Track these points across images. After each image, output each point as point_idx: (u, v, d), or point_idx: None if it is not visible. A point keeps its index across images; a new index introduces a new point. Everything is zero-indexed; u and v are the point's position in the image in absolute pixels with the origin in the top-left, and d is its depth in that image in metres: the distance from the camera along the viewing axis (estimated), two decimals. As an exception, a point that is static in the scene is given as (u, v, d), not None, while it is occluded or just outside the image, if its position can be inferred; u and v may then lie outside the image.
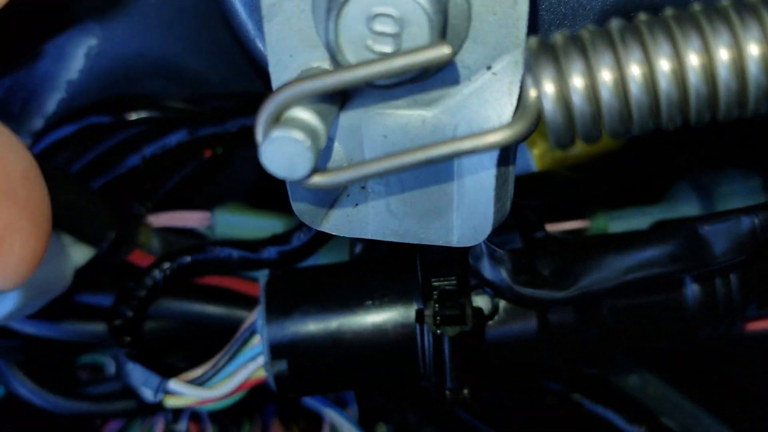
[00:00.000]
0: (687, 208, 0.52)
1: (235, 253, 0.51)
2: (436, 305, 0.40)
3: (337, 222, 0.31)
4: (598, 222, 0.51)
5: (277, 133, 0.23)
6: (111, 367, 0.60)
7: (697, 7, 0.20)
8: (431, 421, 0.52)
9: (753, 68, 0.19)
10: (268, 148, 0.23)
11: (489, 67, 0.26)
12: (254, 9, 0.36)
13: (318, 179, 0.24)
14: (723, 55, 0.19)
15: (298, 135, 0.23)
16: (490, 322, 0.42)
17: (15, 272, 0.27)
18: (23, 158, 0.28)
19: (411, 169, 0.24)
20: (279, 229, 0.54)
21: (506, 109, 0.26)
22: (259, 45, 0.37)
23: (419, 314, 0.41)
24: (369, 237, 0.31)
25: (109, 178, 0.56)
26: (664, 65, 0.19)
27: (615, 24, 0.20)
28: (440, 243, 0.30)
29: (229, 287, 0.54)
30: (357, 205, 0.30)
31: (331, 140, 0.28)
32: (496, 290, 0.39)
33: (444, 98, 0.27)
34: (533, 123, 0.22)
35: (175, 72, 0.56)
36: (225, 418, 0.55)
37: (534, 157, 0.46)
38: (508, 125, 0.22)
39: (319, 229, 0.31)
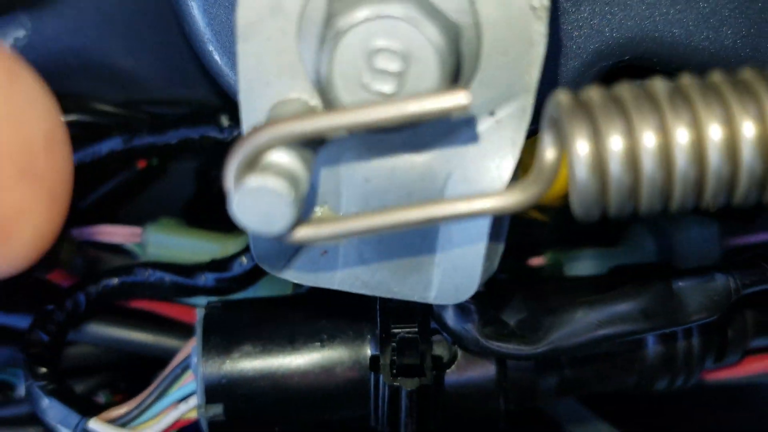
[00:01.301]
0: (644, 252, 0.51)
1: (168, 278, 0.47)
2: (394, 354, 0.37)
3: (302, 269, 0.27)
4: (554, 261, 0.49)
5: (253, 181, 0.19)
6: (21, 388, 0.55)
7: (749, 73, 0.18)
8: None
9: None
10: (242, 199, 0.19)
11: (492, 113, 0.23)
12: (214, 18, 0.32)
13: (302, 233, 0.20)
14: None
15: (278, 185, 0.19)
16: (448, 371, 0.40)
17: (21, 258, 0.24)
18: (47, 118, 0.25)
19: (414, 227, 0.20)
20: (217, 252, 0.50)
21: (507, 162, 0.23)
22: (217, 59, 0.33)
23: (374, 362, 0.38)
24: (335, 288, 0.28)
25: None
26: (714, 133, 0.17)
27: (659, 85, 0.18)
28: (415, 299, 0.27)
29: (160, 312, 0.50)
30: (326, 252, 0.27)
31: None
32: (460, 341, 0.36)
33: (438, 143, 0.24)
34: (546, 189, 0.19)
35: (112, 72, 0.52)
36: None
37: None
38: (519, 188, 0.20)
39: (279, 276, 0.28)
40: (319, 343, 0.40)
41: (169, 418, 0.42)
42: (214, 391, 0.40)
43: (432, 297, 0.27)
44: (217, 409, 0.40)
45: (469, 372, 0.40)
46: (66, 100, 0.52)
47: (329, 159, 0.25)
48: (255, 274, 0.47)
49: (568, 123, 0.17)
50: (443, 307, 0.36)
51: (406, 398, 0.36)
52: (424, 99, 0.18)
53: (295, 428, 0.41)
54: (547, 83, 0.31)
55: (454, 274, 0.26)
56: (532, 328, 0.36)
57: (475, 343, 0.35)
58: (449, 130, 0.23)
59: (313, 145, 0.22)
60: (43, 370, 0.44)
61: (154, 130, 0.51)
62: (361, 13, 0.19)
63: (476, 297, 0.36)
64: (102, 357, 0.52)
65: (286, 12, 0.21)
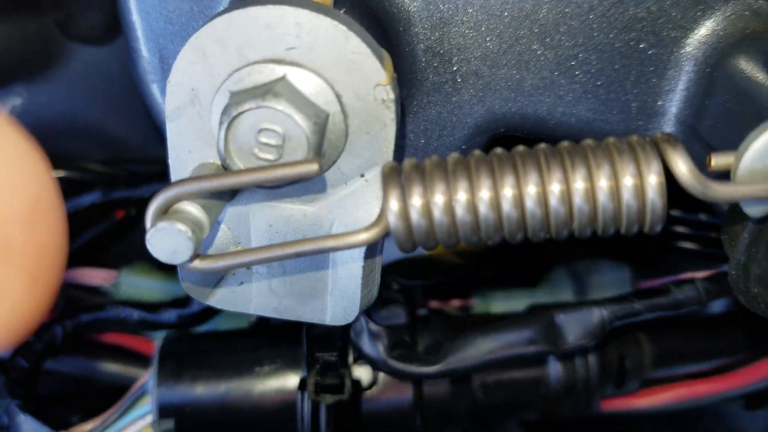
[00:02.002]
0: (562, 293, 0.57)
1: (136, 314, 0.53)
2: (318, 375, 0.43)
3: (223, 297, 0.34)
4: (482, 300, 0.55)
5: (162, 224, 0.26)
6: (3, 419, 0.60)
7: (519, 150, 0.25)
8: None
9: (556, 201, 0.24)
10: (154, 236, 0.26)
11: (362, 175, 0.30)
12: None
13: (199, 264, 0.27)
14: (530, 189, 0.24)
15: (181, 227, 0.26)
16: (368, 393, 0.45)
17: (3, 335, 0.21)
18: (31, 186, 0.21)
19: (284, 259, 0.27)
20: (181, 292, 0.56)
21: (374, 210, 0.30)
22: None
23: (302, 382, 0.44)
24: (251, 312, 0.35)
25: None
26: (484, 194, 0.24)
27: (450, 158, 0.25)
28: (315, 321, 0.34)
29: (127, 346, 0.55)
30: (242, 283, 0.34)
31: (219, 223, 0.31)
32: (372, 364, 0.42)
33: (324, 197, 0.31)
34: (385, 230, 0.26)
35: (95, 135, 0.59)
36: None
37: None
38: (366, 230, 0.27)
39: (205, 303, 0.35)
40: (259, 368, 0.46)
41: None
42: (167, 409, 0.45)
43: (328, 319, 0.34)
44: (168, 425, 0.45)
45: (388, 394, 0.46)
46: (55, 159, 0.59)
47: (241, 210, 0.32)
48: (212, 310, 0.53)
49: (384, 186, 0.24)
50: (359, 334, 0.42)
51: (325, 412, 0.42)
52: (287, 167, 0.26)
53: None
54: (438, 149, 0.38)
55: (342, 299, 0.33)
56: (434, 352, 0.42)
57: (383, 364, 0.42)
58: (331, 186, 0.31)
59: (220, 197, 0.29)
60: (21, 391, 0.50)
61: (130, 185, 0.57)
62: (249, 104, 0.27)
63: (389, 326, 0.43)
64: (75, 387, 0.57)
65: (202, 102, 0.29)
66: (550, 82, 0.36)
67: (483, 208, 0.25)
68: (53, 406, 0.55)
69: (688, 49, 0.33)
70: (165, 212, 0.26)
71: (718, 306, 0.59)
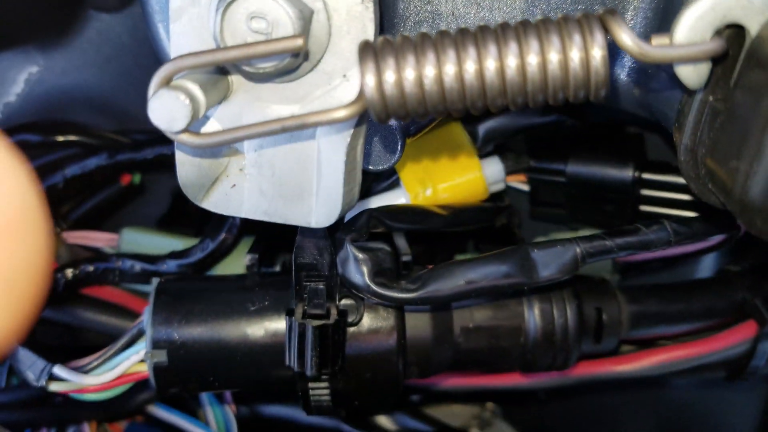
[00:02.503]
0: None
1: (137, 265, 0.56)
2: (306, 304, 0.45)
3: (216, 199, 0.37)
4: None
5: (163, 91, 0.29)
6: (2, 380, 0.62)
7: (480, 26, 0.28)
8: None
9: (512, 73, 0.27)
10: (155, 102, 0.29)
11: (344, 75, 0.33)
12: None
13: (193, 139, 0.30)
14: (489, 64, 0.27)
15: (179, 95, 0.29)
16: (353, 330, 0.47)
17: None
18: (13, 200, 0.20)
19: (268, 136, 0.30)
20: (180, 247, 0.58)
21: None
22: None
23: (290, 311, 0.46)
24: (243, 215, 0.37)
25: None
26: (449, 68, 0.27)
27: (418, 35, 0.28)
28: (302, 224, 0.37)
29: (123, 303, 0.58)
30: (234, 185, 0.37)
31: (208, 118, 0.34)
32: (356, 289, 0.45)
33: (308, 96, 0.34)
34: (363, 106, 0.29)
35: (106, 105, 0.63)
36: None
37: (410, 198, 0.54)
38: (346, 106, 0.30)
39: (199, 205, 0.37)
40: (250, 305, 0.49)
41: (122, 367, 0.50)
42: (160, 340, 0.47)
43: (313, 222, 0.36)
44: (161, 356, 0.47)
45: (371, 336, 0.48)
46: (66, 126, 0.62)
47: (235, 110, 0.35)
48: (210, 261, 0.56)
49: (361, 64, 0.27)
50: (345, 262, 0.45)
51: (311, 334, 0.44)
52: (274, 42, 0.29)
53: (228, 377, 0.48)
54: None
55: (326, 201, 0.35)
56: (415, 280, 0.44)
57: (366, 289, 0.44)
58: (316, 87, 0.34)
59: (216, 84, 0.32)
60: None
61: (135, 148, 0.61)
62: (242, -8, 0.30)
63: (373, 255, 0.45)
64: (72, 338, 0.59)
65: (201, 1, 0.32)
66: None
67: (448, 81, 0.28)
68: (49, 354, 0.57)
69: None
70: (166, 83, 0.30)
71: (696, 273, 0.61)
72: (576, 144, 0.55)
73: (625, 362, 0.55)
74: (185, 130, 0.30)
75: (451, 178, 0.54)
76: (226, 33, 0.31)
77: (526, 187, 0.59)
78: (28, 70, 0.62)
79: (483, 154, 0.56)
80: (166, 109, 0.29)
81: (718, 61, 0.27)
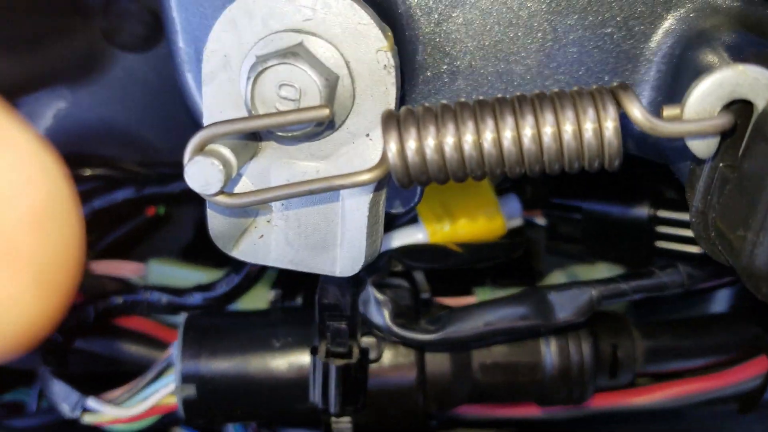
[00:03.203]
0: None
1: (164, 298, 0.58)
2: (328, 342, 0.47)
3: (245, 249, 0.38)
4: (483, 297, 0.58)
5: (198, 158, 0.31)
6: (33, 405, 0.64)
7: (498, 98, 0.30)
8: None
9: (529, 142, 0.29)
10: (191, 168, 0.31)
11: (368, 135, 0.35)
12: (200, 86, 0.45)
13: (226, 199, 0.32)
14: (507, 133, 0.29)
15: (213, 161, 0.31)
16: (374, 368, 0.49)
17: (7, 345, 0.21)
18: (39, 189, 0.21)
19: (298, 195, 0.32)
20: (205, 280, 0.60)
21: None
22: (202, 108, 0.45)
23: (314, 349, 0.48)
24: (270, 264, 0.39)
25: (58, 225, 0.62)
26: (468, 137, 0.29)
27: (440, 105, 0.30)
28: (326, 272, 0.38)
29: (151, 333, 0.59)
30: (262, 236, 0.38)
31: (240, 176, 0.36)
32: (377, 329, 0.46)
33: (333, 154, 0.35)
34: (386, 170, 0.31)
35: (131, 139, 0.65)
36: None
37: (428, 234, 0.55)
38: (369, 170, 0.31)
39: (229, 254, 0.39)
40: (274, 341, 0.50)
41: (152, 400, 0.52)
42: (189, 376, 0.49)
43: (338, 270, 0.38)
44: (190, 390, 0.49)
45: (392, 372, 0.49)
46: (93, 159, 0.64)
47: (263, 167, 0.36)
48: (235, 293, 0.58)
49: (384, 131, 0.29)
50: (367, 303, 0.46)
51: (335, 373, 0.46)
52: (303, 111, 0.30)
53: (253, 409, 0.50)
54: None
55: (350, 250, 0.37)
56: (434, 322, 0.46)
57: (387, 330, 0.45)
58: (341, 145, 0.35)
59: (246, 147, 0.33)
60: (54, 360, 0.54)
61: (161, 182, 0.63)
62: (272, 61, 0.32)
63: (393, 298, 0.47)
64: (103, 366, 0.61)
65: (232, 66, 0.34)
66: (537, 74, 0.41)
67: (468, 149, 0.29)
68: (80, 383, 0.58)
69: (656, 42, 0.38)
70: (201, 150, 0.31)
71: (711, 307, 0.62)
72: (592, 181, 0.56)
73: (641, 395, 0.56)
74: (219, 192, 0.31)
75: (469, 215, 0.55)
76: (257, 100, 0.32)
77: (543, 222, 0.60)
78: (57, 106, 0.64)
79: (500, 190, 0.57)
80: (201, 174, 0.31)
81: (727, 133, 0.28)
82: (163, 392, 0.52)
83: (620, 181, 0.56)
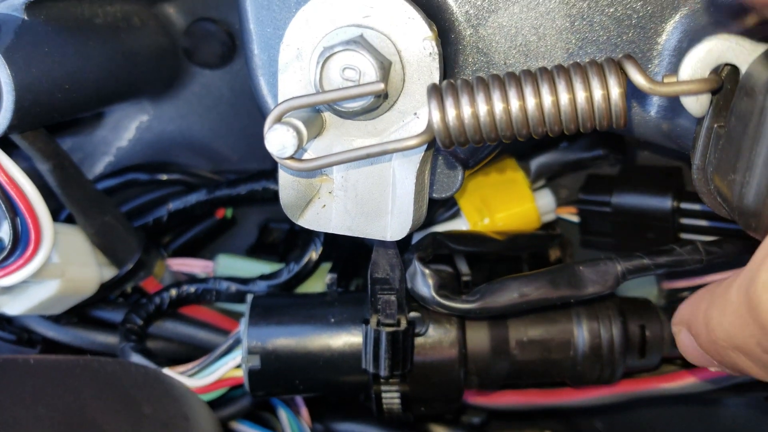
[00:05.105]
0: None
1: (233, 286, 0.64)
2: (380, 314, 0.53)
3: (309, 218, 0.45)
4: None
5: (277, 125, 0.37)
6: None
7: (523, 70, 0.36)
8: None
9: (548, 106, 0.34)
10: (271, 134, 0.37)
11: (415, 113, 0.41)
12: (275, 96, 0.51)
13: (296, 163, 0.38)
14: (530, 101, 0.35)
15: (289, 129, 0.37)
16: (419, 341, 0.54)
17: None
18: None
19: (357, 159, 0.38)
20: (268, 271, 0.66)
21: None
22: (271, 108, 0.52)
23: (366, 321, 0.53)
24: (331, 231, 0.45)
25: (139, 225, 0.69)
26: (498, 105, 0.35)
27: (475, 78, 0.36)
28: (379, 237, 0.44)
29: (217, 324, 0.65)
30: (324, 206, 0.45)
31: (305, 150, 0.42)
32: (422, 301, 0.52)
33: (386, 131, 0.42)
34: (431, 135, 0.37)
35: (204, 149, 0.72)
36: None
37: (470, 226, 0.61)
38: (416, 135, 0.37)
39: (296, 222, 0.45)
40: (332, 318, 0.56)
41: (220, 371, 0.58)
42: (254, 349, 0.55)
43: (388, 235, 0.44)
44: (255, 361, 0.55)
45: (436, 346, 0.54)
46: (170, 166, 0.72)
47: (327, 143, 0.43)
48: (295, 282, 0.64)
49: (429, 101, 0.35)
50: (414, 275, 0.52)
51: (384, 340, 0.51)
52: (364, 85, 0.37)
53: (310, 380, 0.56)
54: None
55: (399, 217, 0.43)
56: (474, 293, 0.51)
57: (431, 300, 0.51)
58: (392, 123, 0.42)
59: (315, 121, 0.40)
60: (134, 336, 0.61)
61: (230, 185, 0.70)
62: (338, 48, 0.38)
63: (438, 270, 0.52)
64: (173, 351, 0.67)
65: (304, 57, 0.41)
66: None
67: (498, 114, 0.35)
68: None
69: (665, 36, 0.43)
70: (278, 120, 0.38)
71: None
72: (620, 176, 0.61)
73: (672, 380, 0.59)
74: (291, 157, 0.38)
75: (507, 209, 0.61)
76: (324, 81, 0.39)
77: (576, 219, 0.65)
78: (140, 119, 0.71)
79: (535, 188, 0.63)
80: (278, 139, 0.37)
81: (717, 93, 0.34)
82: (231, 364, 0.57)
83: (646, 176, 0.61)
